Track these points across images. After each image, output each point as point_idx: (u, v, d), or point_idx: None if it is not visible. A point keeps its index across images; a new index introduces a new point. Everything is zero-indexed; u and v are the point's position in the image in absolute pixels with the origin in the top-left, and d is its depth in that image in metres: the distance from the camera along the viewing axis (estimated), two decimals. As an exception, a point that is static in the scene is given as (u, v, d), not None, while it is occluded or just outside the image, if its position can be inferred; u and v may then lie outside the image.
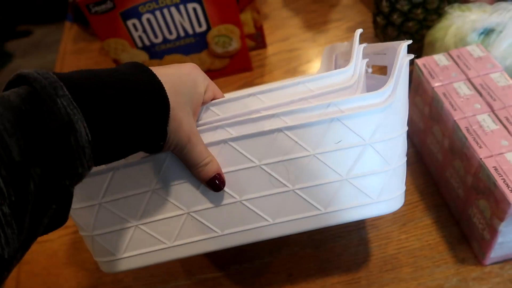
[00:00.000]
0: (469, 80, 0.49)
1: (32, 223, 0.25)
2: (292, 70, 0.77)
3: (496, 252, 0.45)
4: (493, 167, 0.41)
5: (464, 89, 0.48)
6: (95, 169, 0.36)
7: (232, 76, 0.78)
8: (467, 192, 0.46)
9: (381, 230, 0.53)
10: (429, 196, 0.54)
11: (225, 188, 0.38)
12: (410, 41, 0.39)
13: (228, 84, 0.77)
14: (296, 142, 0.37)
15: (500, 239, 0.43)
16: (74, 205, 0.39)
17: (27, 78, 0.26)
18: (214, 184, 0.37)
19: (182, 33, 0.69)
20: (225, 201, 0.39)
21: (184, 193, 0.38)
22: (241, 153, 0.37)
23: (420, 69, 0.52)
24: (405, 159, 0.40)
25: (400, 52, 0.38)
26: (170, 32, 0.69)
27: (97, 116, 0.27)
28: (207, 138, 0.37)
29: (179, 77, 0.34)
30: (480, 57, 0.51)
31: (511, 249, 0.45)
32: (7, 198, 0.23)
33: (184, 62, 0.74)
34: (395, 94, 0.36)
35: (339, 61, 0.53)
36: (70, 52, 0.95)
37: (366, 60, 0.40)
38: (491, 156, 0.42)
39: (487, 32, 0.54)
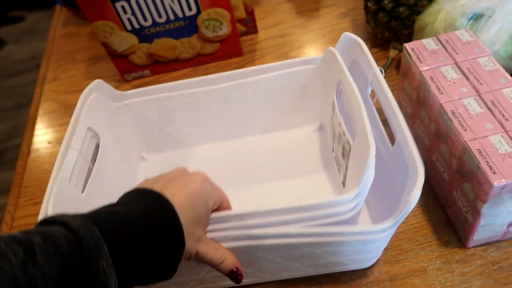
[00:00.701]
0: (456, 64, 0.49)
1: None
2: (283, 55, 0.77)
3: (479, 234, 0.46)
4: (477, 149, 0.41)
5: (451, 73, 0.48)
6: None
7: (223, 61, 0.78)
8: (452, 176, 0.46)
9: (367, 214, 0.53)
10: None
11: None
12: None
13: (219, 69, 0.77)
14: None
15: (482, 221, 0.43)
16: None
17: (74, 232, 0.28)
18: (234, 276, 0.40)
19: (171, 16, 0.69)
20: None
21: None
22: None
23: (408, 53, 0.52)
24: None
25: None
26: (160, 15, 0.68)
27: (126, 268, 0.30)
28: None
29: (192, 201, 0.37)
30: (469, 42, 0.51)
31: (493, 232, 0.46)
32: None
33: (174, 46, 0.73)
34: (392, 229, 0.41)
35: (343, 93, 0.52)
36: (59, 36, 0.94)
37: (372, 177, 0.40)
38: (476, 139, 0.42)
39: (477, 17, 0.54)
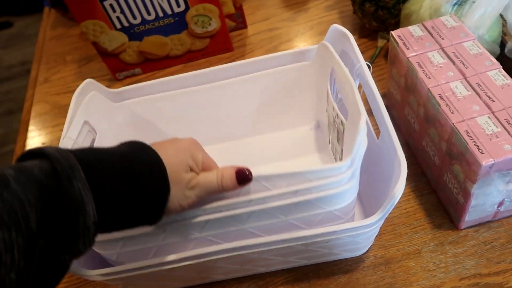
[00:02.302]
0: (442, 49, 0.50)
1: None
2: (273, 49, 0.77)
3: (471, 215, 0.47)
4: (465, 131, 0.42)
5: (437, 58, 0.49)
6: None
7: (214, 57, 0.78)
8: (442, 158, 0.47)
9: (361, 200, 0.54)
10: (407, 166, 0.55)
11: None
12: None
13: (209, 65, 0.77)
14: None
15: (473, 202, 0.44)
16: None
17: (49, 156, 0.28)
18: (243, 180, 0.38)
19: (160, 13, 0.69)
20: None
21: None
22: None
23: (395, 40, 0.52)
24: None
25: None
26: (149, 13, 0.69)
27: (105, 199, 0.30)
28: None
29: (177, 152, 0.37)
30: (454, 27, 0.52)
31: (484, 212, 0.47)
32: (16, 265, 0.25)
33: (164, 43, 0.74)
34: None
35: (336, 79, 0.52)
36: (49, 38, 0.94)
37: (364, 149, 0.41)
38: (463, 120, 0.43)
39: (461, 3, 0.55)
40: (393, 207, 0.39)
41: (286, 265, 0.48)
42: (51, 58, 0.89)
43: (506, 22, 0.56)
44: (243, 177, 0.38)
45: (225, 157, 0.61)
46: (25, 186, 0.26)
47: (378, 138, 0.47)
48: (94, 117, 0.54)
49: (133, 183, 0.32)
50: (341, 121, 0.47)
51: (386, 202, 0.40)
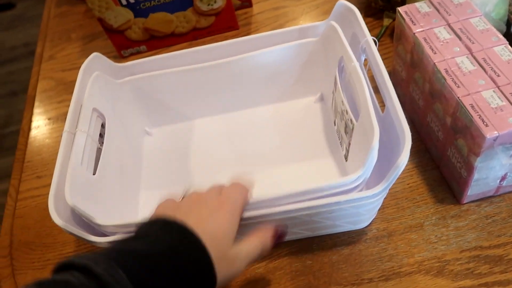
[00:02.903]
0: (449, 25, 0.50)
1: None
2: (278, 27, 0.77)
3: (473, 190, 0.47)
4: (470, 104, 0.42)
5: (444, 33, 0.49)
6: None
7: (219, 35, 0.79)
8: (446, 133, 0.48)
9: (364, 175, 0.54)
10: (411, 142, 0.56)
11: None
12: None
13: (215, 42, 0.77)
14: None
15: (476, 175, 0.45)
16: None
17: (98, 277, 0.27)
18: (278, 241, 0.40)
19: (166, -10, 0.69)
20: None
21: None
22: None
23: (402, 17, 0.52)
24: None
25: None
26: (155, -11, 0.68)
27: None
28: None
29: (221, 236, 0.35)
30: (460, 3, 0.52)
31: (487, 187, 0.47)
32: None
33: (170, 20, 0.74)
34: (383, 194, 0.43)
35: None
36: (54, 16, 0.94)
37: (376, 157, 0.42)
38: (468, 94, 0.43)
39: (468, -20, 0.55)
40: (397, 177, 0.40)
41: (291, 236, 0.49)
42: (56, 35, 0.89)
43: (513, 0, 0.56)
44: (279, 240, 0.39)
45: (231, 128, 0.63)
46: None
47: (383, 112, 0.48)
48: (100, 101, 0.54)
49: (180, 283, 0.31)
50: (350, 119, 0.48)
51: (390, 172, 0.40)
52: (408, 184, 0.53)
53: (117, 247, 0.32)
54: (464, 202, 0.50)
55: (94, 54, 0.57)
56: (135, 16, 0.72)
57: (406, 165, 0.54)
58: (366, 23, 0.52)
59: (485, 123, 0.40)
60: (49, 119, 0.73)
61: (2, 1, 2.47)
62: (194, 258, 0.32)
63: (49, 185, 0.44)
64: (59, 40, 0.87)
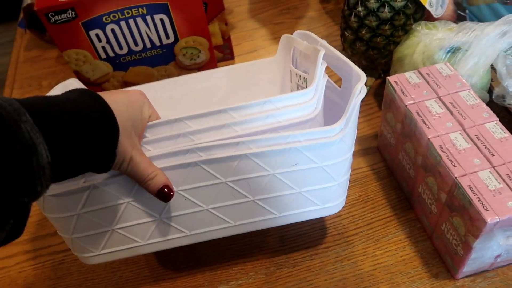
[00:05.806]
0: (439, 98, 0.50)
1: None
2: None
3: (469, 267, 0.46)
4: (468, 185, 0.42)
5: (435, 107, 0.49)
6: (73, 186, 0.40)
7: (200, 88, 0.77)
8: (440, 209, 0.47)
9: (357, 247, 0.53)
10: (401, 211, 0.55)
11: (194, 199, 0.43)
12: (364, 81, 0.43)
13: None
14: (259, 164, 0.41)
15: (473, 255, 0.44)
16: (54, 214, 0.42)
17: None
18: (162, 195, 0.40)
19: (148, 45, 0.67)
20: (193, 209, 0.43)
21: (155, 202, 0.42)
22: (209, 172, 0.41)
23: (392, 87, 0.52)
24: (349, 173, 0.47)
25: (355, 92, 0.42)
26: (136, 44, 0.66)
27: (56, 141, 0.30)
28: (180, 159, 0.41)
29: (127, 104, 0.38)
30: (449, 75, 0.52)
31: (482, 264, 0.47)
32: None
33: (150, 73, 0.71)
34: (346, 129, 0.42)
35: (298, 57, 0.55)
36: (23, 61, 0.89)
37: (326, 80, 0.45)
38: (465, 174, 0.43)
39: (454, 50, 0.56)
40: (355, 109, 0.42)
41: (258, 219, 0.45)
42: (25, 82, 0.84)
43: (495, 70, 0.58)
44: (164, 195, 0.40)
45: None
46: None
47: (340, 87, 0.51)
48: None
49: (82, 123, 0.32)
50: (304, 78, 0.50)
51: (348, 105, 0.42)
52: (401, 256, 0.51)
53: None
54: (459, 278, 0.49)
55: (71, 80, 0.57)
56: (114, 70, 0.69)
57: (398, 236, 0.53)
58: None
59: (485, 207, 0.40)
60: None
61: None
62: (98, 107, 0.34)
63: None
64: (29, 87, 0.83)
